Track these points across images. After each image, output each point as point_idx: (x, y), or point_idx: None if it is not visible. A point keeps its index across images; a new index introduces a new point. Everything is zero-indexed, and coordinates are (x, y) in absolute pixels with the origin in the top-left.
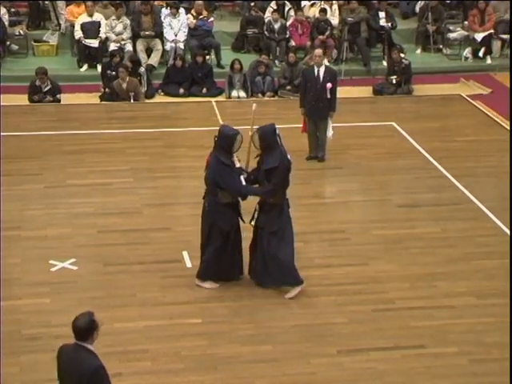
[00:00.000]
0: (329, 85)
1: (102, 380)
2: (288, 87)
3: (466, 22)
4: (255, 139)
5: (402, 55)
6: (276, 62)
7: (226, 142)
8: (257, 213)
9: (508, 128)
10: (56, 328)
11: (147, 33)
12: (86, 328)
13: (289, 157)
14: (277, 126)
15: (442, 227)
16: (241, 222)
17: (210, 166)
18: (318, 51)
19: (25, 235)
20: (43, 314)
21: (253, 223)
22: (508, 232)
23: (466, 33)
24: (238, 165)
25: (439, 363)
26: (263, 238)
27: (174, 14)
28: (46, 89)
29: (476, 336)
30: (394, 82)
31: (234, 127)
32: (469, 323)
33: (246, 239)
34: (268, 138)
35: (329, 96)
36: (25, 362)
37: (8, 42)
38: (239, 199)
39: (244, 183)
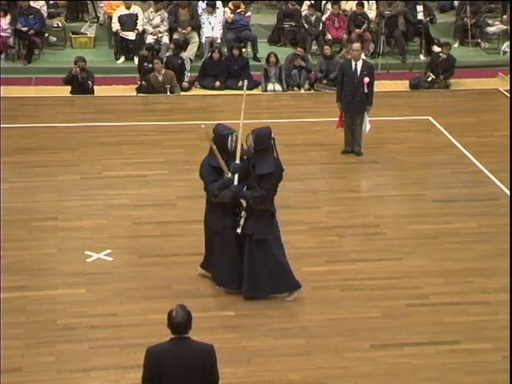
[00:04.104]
0: (366, 79)
1: (216, 356)
2: (324, 81)
3: (504, 16)
4: (249, 141)
5: (438, 49)
6: (309, 56)
7: (220, 140)
8: (243, 219)
9: None
10: (91, 318)
11: (184, 31)
12: (186, 321)
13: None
14: (272, 130)
15: (477, 222)
16: None
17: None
18: (357, 45)
19: (61, 226)
20: (79, 304)
21: (239, 230)
22: None
23: (504, 27)
24: (237, 160)
25: (473, 359)
26: (251, 245)
27: (211, 12)
28: (82, 77)
29: (510, 333)
30: (429, 79)
31: (268, 120)
32: (504, 319)
33: None
34: (263, 141)
35: (366, 90)
36: (60, 351)
37: (46, 34)
38: (241, 201)
39: (236, 182)
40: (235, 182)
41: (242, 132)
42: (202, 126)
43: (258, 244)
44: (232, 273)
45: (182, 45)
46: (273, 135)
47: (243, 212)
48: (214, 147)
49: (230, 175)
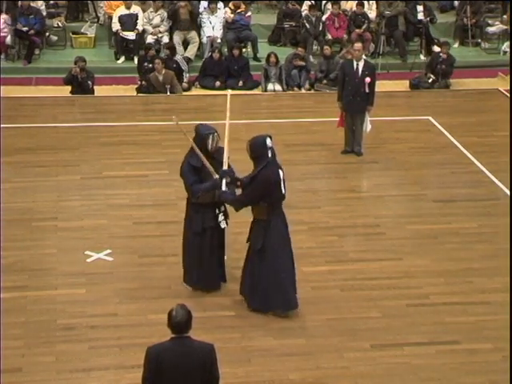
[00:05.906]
0: (367, 79)
1: (216, 355)
2: (324, 81)
3: (504, 16)
4: (247, 148)
5: (438, 49)
6: (310, 56)
7: (200, 140)
8: (221, 215)
9: None
10: (91, 318)
11: (184, 31)
12: (186, 321)
13: (280, 172)
14: (269, 139)
15: (477, 223)
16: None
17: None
18: (358, 45)
19: (61, 226)
20: (79, 304)
21: (223, 226)
22: None
23: (504, 27)
24: (225, 166)
25: (473, 359)
26: (250, 255)
27: (213, 11)
28: (82, 77)
29: (510, 333)
30: (430, 80)
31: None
32: (504, 319)
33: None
34: (256, 150)
35: (367, 90)
36: (60, 351)
37: (47, 33)
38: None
39: (224, 188)
40: (223, 188)
41: (229, 132)
42: (173, 117)
43: (253, 255)
44: (200, 274)
45: (175, 48)
46: (270, 144)
47: (222, 207)
48: (195, 146)
49: (217, 176)
